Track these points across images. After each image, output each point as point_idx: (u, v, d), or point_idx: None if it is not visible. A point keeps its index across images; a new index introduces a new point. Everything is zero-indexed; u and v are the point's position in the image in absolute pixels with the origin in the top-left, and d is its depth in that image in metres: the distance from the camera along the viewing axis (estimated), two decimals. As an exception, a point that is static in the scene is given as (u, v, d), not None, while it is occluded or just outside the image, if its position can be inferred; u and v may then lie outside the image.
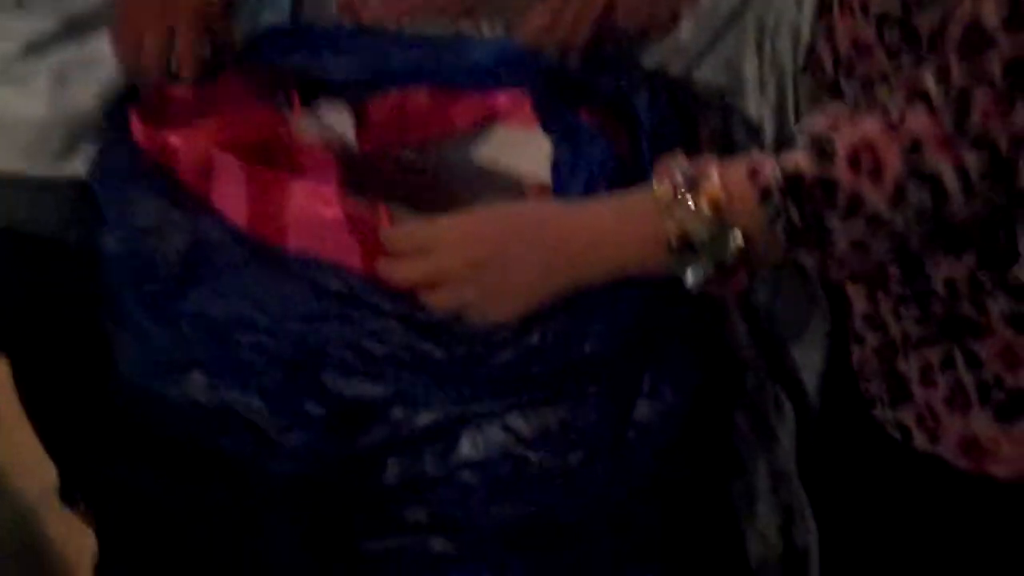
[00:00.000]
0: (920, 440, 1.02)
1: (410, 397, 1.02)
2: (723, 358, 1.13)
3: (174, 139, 1.11)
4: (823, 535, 1.17)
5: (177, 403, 1.08)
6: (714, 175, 0.91)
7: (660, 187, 0.93)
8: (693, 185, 0.91)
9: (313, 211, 1.04)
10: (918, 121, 0.85)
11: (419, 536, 1.05)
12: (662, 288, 0.98)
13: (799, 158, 0.89)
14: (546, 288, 0.98)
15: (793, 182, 0.89)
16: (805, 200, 0.89)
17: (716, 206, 0.91)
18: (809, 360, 1.16)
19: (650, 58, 1.23)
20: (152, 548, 1.16)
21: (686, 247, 0.92)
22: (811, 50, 1.07)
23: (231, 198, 1.09)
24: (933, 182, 0.86)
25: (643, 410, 1.04)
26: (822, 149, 0.88)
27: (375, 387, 1.02)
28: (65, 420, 1.44)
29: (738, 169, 0.92)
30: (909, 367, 1.02)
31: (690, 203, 0.91)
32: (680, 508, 1.09)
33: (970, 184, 0.86)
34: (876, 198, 0.87)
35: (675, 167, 0.93)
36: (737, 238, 0.91)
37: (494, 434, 1.03)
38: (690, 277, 0.93)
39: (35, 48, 1.26)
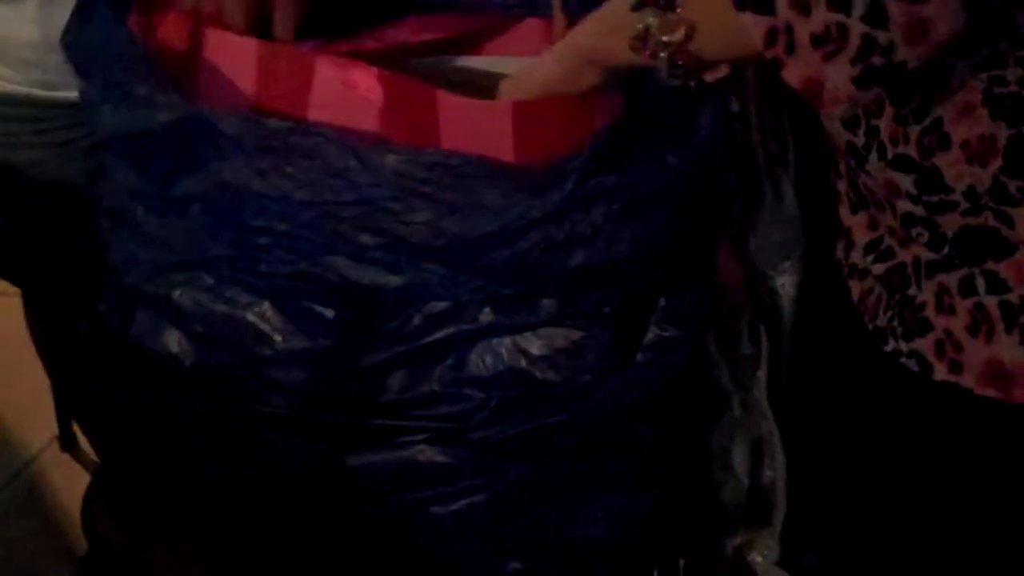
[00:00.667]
0: (940, 371, 0.98)
1: (425, 289, 0.99)
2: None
3: (170, 27, 1.06)
4: (795, 470, 1.13)
5: (180, 310, 1.05)
6: None
7: None
8: None
9: (345, 79, 0.99)
10: None
11: (416, 448, 1.04)
12: (689, 207, 0.97)
13: None
14: None
15: None
16: None
17: None
18: (782, 285, 1.12)
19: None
20: (148, 470, 1.14)
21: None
22: None
23: (237, 78, 1.03)
24: None
25: (654, 335, 1.03)
26: None
27: (390, 276, 0.99)
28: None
29: None
30: (923, 295, 0.98)
31: None
32: (673, 437, 1.08)
33: None
34: None
35: None
36: None
37: (504, 352, 1.01)
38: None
39: None
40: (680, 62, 0.93)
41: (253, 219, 1.00)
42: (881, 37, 0.83)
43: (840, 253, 1.07)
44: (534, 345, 1.01)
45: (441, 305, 1.01)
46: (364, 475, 1.04)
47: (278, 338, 1.02)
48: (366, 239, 0.97)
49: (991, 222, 0.93)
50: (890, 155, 0.96)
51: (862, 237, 1.03)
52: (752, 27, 0.86)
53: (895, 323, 1.01)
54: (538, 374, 1.01)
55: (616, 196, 0.95)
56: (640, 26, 0.93)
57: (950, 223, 0.95)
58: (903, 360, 1.00)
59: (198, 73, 1.05)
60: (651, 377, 1.03)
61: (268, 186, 0.98)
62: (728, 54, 0.95)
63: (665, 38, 0.92)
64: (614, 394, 1.02)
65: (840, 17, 0.83)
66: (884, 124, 0.97)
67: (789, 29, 0.85)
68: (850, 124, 1.00)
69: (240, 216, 1.00)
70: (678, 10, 0.91)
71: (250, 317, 1.03)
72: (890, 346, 1.01)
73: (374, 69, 1.00)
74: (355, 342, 1.02)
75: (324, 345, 1.02)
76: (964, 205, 0.94)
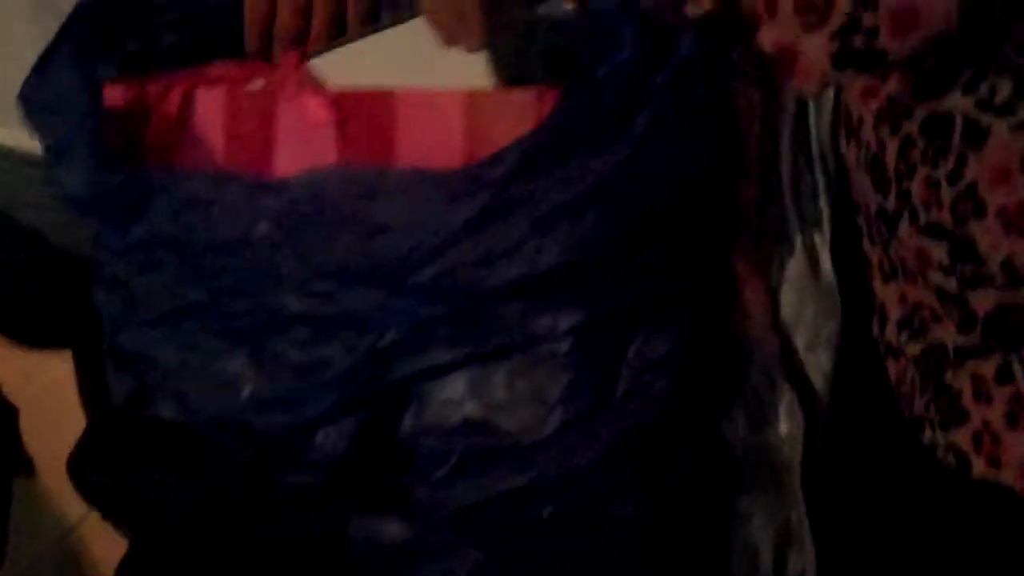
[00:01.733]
0: (979, 466, 0.93)
1: (366, 317, 0.95)
2: (723, 342, 1.04)
3: (152, 87, 1.05)
4: (824, 562, 1.06)
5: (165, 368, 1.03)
6: None
7: None
8: None
9: (301, 110, 0.99)
10: None
11: (372, 520, 0.99)
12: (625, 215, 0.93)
13: None
14: None
15: None
16: None
17: None
18: (816, 360, 1.05)
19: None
20: (172, 547, 1.11)
21: None
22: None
23: (209, 135, 1.02)
24: None
25: (626, 382, 0.96)
26: None
27: (328, 306, 0.96)
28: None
29: None
30: (960, 382, 0.93)
31: None
32: (667, 506, 1.01)
33: None
34: None
35: None
36: None
37: (457, 393, 0.97)
38: None
39: None
40: None
41: (204, 274, 0.99)
42: (867, 19, 0.81)
43: (876, 330, 1.02)
44: (491, 383, 0.96)
45: (388, 340, 0.96)
46: (313, 550, 1.00)
47: (247, 387, 1.00)
48: (301, 270, 0.95)
49: None
50: (922, 221, 0.91)
51: (895, 312, 0.98)
52: None
53: (931, 411, 0.95)
54: (498, 420, 0.95)
55: (539, 203, 0.91)
56: None
57: (984, 300, 0.89)
58: (940, 453, 0.95)
59: (166, 132, 1.04)
60: (632, 416, 0.96)
61: (206, 237, 0.97)
62: None
63: None
64: (587, 441, 0.96)
65: None
66: (916, 188, 0.91)
67: None
68: (880, 187, 0.95)
69: (195, 275, 0.99)
70: None
71: (226, 366, 1.01)
72: (927, 437, 0.96)
73: (326, 92, 0.99)
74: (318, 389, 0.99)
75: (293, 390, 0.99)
76: (1000, 279, 0.88)
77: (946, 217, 0.89)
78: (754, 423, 1.04)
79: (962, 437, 0.92)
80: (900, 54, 0.81)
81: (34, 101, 1.04)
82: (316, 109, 0.99)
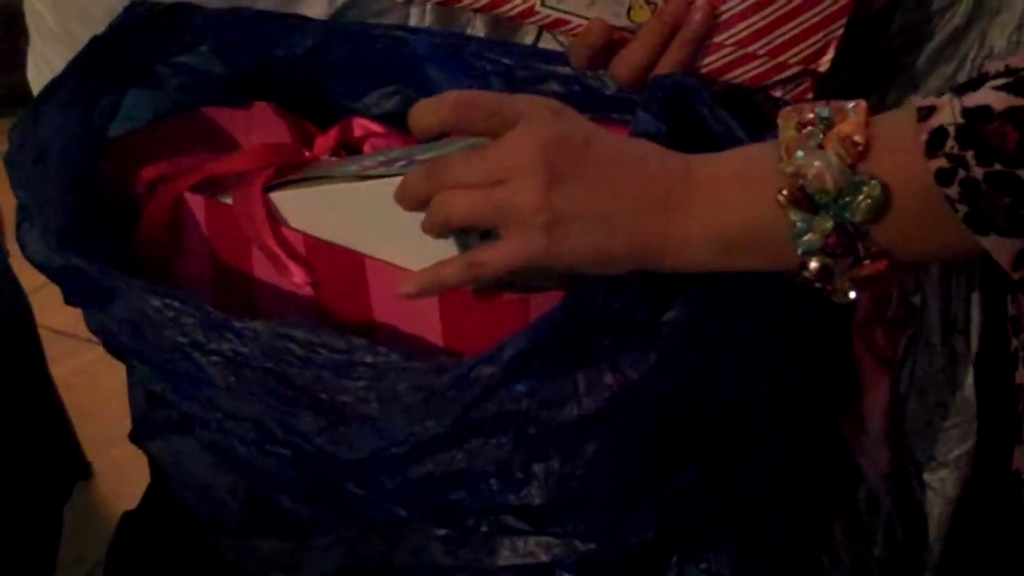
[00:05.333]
0: None
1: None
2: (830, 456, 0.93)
3: (150, 173, 0.89)
4: None
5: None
6: (859, 112, 0.67)
7: (786, 127, 0.68)
8: (827, 123, 0.67)
9: (277, 262, 0.84)
10: None
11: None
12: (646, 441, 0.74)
13: (986, 92, 0.64)
14: (634, 234, 0.70)
15: (975, 119, 0.63)
16: (992, 144, 0.63)
17: (849, 148, 0.66)
18: (938, 481, 0.94)
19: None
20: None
21: (801, 200, 0.67)
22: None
23: (196, 257, 0.89)
24: None
25: None
26: (1020, 78, 0.63)
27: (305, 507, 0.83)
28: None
29: (901, 111, 0.68)
30: None
31: (814, 143, 0.67)
32: None
33: None
34: None
35: (814, 105, 0.70)
36: (873, 189, 0.66)
37: None
38: (806, 247, 0.68)
39: None
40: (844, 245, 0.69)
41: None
42: None
43: (1020, 459, 0.90)
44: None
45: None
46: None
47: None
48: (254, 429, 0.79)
49: None
50: None
51: None
52: (995, 249, 0.65)
53: None
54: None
55: (531, 419, 0.71)
56: (789, 179, 0.67)
57: None
58: None
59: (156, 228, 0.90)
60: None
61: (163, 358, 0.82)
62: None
63: (839, 208, 0.67)
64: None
65: None
66: None
67: None
68: None
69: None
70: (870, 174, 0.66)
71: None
72: None
73: (302, 253, 0.84)
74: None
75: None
76: None
77: None
78: (852, 543, 0.95)
79: None
80: None
81: (19, 145, 0.86)
82: (293, 271, 0.84)
